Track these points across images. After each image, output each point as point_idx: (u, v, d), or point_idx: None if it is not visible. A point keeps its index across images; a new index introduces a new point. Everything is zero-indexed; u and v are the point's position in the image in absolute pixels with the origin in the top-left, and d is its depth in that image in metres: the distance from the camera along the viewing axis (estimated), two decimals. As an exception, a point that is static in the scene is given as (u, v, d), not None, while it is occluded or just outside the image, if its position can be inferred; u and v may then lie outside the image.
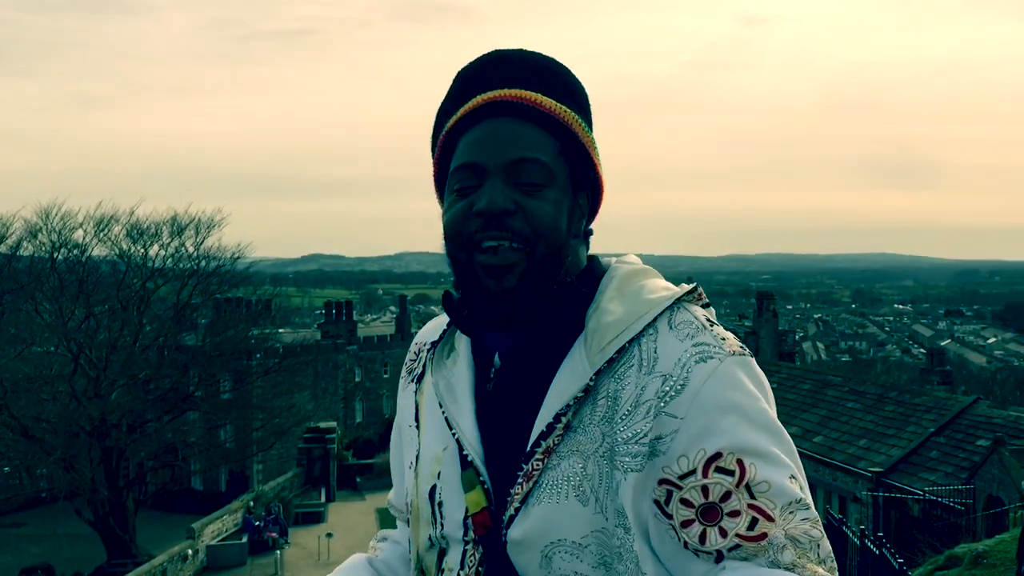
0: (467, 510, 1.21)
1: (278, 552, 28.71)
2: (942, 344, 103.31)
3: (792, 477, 1.15)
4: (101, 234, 31.65)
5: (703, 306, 1.28)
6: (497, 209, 1.19)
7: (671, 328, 1.19)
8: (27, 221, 31.31)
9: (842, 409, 25.78)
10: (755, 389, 1.17)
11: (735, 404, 1.14)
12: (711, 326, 1.20)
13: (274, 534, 30.37)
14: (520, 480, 1.17)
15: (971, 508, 17.23)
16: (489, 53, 1.32)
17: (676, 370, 1.15)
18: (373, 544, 1.54)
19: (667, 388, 1.14)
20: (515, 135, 1.23)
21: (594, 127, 1.32)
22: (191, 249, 32.48)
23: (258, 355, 37.16)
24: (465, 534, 1.22)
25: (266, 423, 35.30)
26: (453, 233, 1.23)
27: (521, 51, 1.31)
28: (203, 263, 32.78)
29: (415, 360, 1.44)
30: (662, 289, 1.23)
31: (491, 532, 1.19)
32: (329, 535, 29.20)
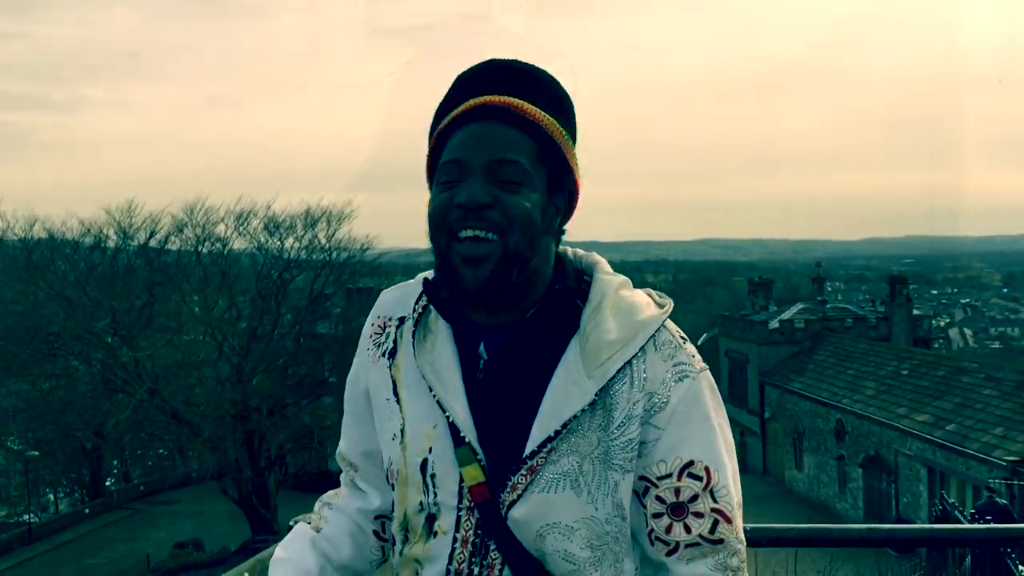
0: (462, 481, 1.35)
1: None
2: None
3: (735, 480, 1.40)
4: (241, 228, 33.02)
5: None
6: (475, 202, 1.32)
7: (656, 348, 1.37)
8: (174, 217, 32.96)
9: (977, 396, 24.72)
10: (716, 402, 1.41)
11: (706, 418, 1.37)
12: (684, 343, 1.40)
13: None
14: (523, 472, 1.33)
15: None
16: (485, 61, 1.43)
17: (661, 388, 1.35)
18: (317, 510, 1.61)
19: (653, 404, 1.35)
20: (498, 137, 1.35)
21: (578, 137, 1.44)
22: (324, 241, 33.62)
23: (388, 342, 38.28)
24: (459, 502, 1.36)
25: (396, 407, 36.38)
26: (435, 222, 1.36)
27: (515, 61, 1.44)
28: (335, 254, 33.90)
29: (381, 333, 1.51)
30: (647, 306, 1.39)
31: (489, 502, 1.34)
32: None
